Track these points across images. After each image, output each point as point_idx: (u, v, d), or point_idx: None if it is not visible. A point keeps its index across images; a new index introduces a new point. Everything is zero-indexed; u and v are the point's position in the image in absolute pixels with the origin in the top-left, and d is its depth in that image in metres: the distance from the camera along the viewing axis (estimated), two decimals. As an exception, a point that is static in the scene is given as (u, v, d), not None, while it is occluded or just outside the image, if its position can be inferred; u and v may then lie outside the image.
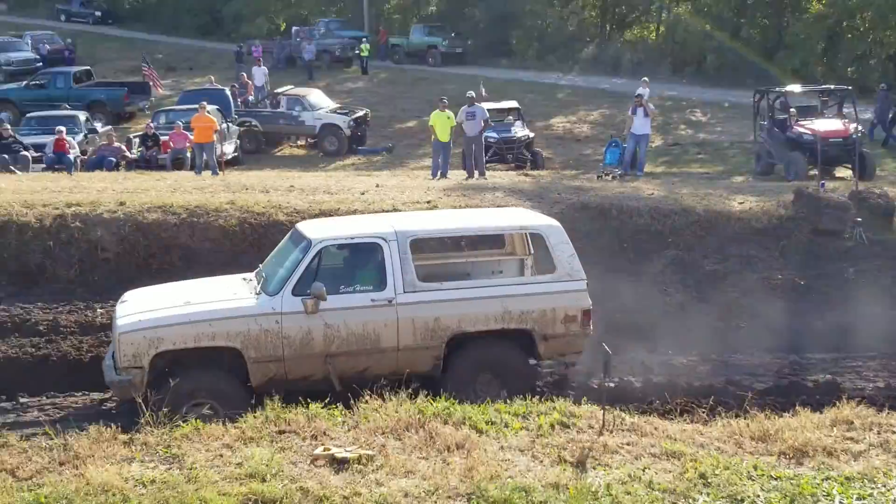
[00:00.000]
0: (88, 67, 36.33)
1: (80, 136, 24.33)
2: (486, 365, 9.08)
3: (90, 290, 12.89)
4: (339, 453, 6.37)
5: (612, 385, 8.66)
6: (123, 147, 23.33)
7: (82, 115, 26.59)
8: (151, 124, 24.59)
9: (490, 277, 10.10)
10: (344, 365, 8.84)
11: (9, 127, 22.93)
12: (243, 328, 8.67)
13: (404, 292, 8.88)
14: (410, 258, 8.98)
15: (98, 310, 12.17)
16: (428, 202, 15.11)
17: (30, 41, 44.13)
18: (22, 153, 21.49)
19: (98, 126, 26.83)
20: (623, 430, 7.35)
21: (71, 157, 21.60)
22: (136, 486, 5.88)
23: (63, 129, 22.39)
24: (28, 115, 27.17)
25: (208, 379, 8.67)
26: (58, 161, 21.31)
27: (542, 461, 6.62)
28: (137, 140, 24.07)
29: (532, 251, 10.24)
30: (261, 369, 8.72)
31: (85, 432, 6.82)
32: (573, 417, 7.48)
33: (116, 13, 56.95)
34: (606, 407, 7.55)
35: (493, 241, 10.61)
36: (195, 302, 9.03)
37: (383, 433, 6.85)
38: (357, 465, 6.25)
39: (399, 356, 8.89)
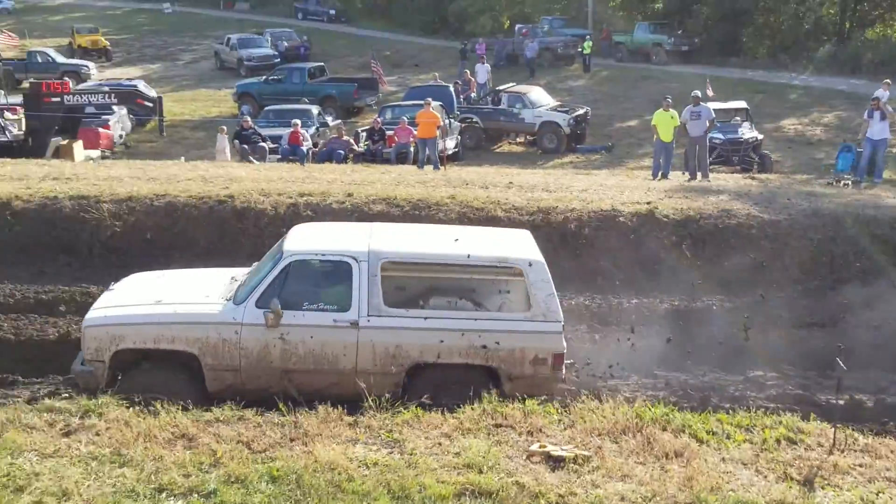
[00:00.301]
0: (322, 64, 38.13)
1: (313, 129, 25.61)
2: (448, 395, 8.07)
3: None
4: (556, 451, 6.36)
5: (841, 402, 8.17)
6: (352, 140, 24.31)
7: (315, 109, 27.97)
8: (378, 119, 25.47)
9: (464, 307, 9.29)
10: (301, 382, 8.49)
11: (249, 119, 24.47)
12: (202, 335, 8.55)
13: (368, 316, 8.51)
14: (379, 281, 8.58)
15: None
16: (648, 203, 14.82)
17: (269, 38, 46.87)
18: (260, 144, 22.86)
19: (329, 120, 28.15)
20: (855, 451, 6.92)
21: (304, 148, 22.76)
22: (359, 466, 6.11)
23: (298, 122, 23.63)
24: (266, 108, 28.89)
25: (165, 379, 8.39)
26: (292, 152, 22.51)
27: (765, 476, 6.34)
28: (364, 134, 25.02)
29: (509, 286, 9.47)
30: (217, 377, 8.57)
31: (314, 412, 7.16)
32: (801, 434, 7.12)
33: (349, 12, 59.46)
34: (837, 425, 7.13)
35: (474, 269, 9.47)
36: (166, 301, 8.99)
37: (599, 435, 6.78)
38: (573, 465, 6.22)
39: (359, 378, 8.32)
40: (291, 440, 6.52)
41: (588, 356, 10.33)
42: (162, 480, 5.83)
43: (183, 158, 22.56)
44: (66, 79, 28.94)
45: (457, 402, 7.71)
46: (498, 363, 8.57)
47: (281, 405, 7.45)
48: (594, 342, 10.95)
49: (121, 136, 27.62)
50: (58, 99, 20.35)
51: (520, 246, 9.38)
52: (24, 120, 21.00)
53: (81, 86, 30.75)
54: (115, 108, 26.63)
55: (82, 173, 17.05)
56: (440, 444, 6.54)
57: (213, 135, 29.67)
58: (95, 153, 22.86)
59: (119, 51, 50.42)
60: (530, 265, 8.79)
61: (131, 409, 7.10)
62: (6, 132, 20.61)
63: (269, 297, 8.45)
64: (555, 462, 6.27)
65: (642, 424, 6.95)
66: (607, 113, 33.12)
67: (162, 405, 7.17)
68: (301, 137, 23.09)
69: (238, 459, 6.11)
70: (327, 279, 8.93)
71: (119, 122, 27.49)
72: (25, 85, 32.61)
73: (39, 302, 12.12)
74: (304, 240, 9.33)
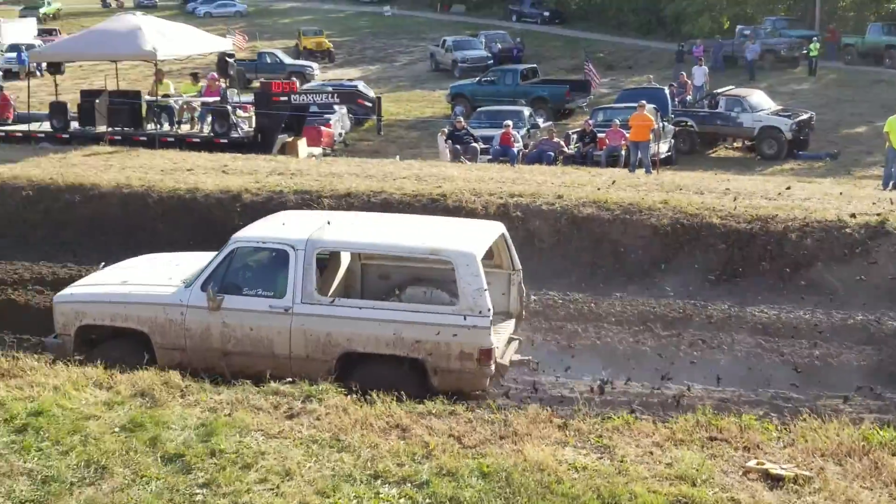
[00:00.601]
0: (534, 65, 38.31)
1: (524, 131, 25.77)
2: (379, 385, 7.74)
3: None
4: (774, 469, 6.08)
5: None
6: (562, 142, 24.28)
7: (526, 111, 28.14)
8: (590, 121, 25.31)
9: (414, 298, 9.36)
10: (240, 364, 8.65)
11: (462, 120, 24.91)
12: (151, 315, 9.01)
13: (301, 303, 8.62)
14: (314, 269, 8.70)
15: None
16: (878, 214, 13.90)
17: (483, 40, 47.57)
18: (472, 144, 23.22)
19: (539, 121, 28.24)
20: None
21: (514, 150, 22.92)
22: (568, 469, 6.07)
23: (510, 123, 23.84)
24: (479, 108, 29.33)
25: (121, 354, 8.73)
26: (503, 153, 22.73)
27: None
28: (575, 136, 24.93)
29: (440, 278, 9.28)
30: (166, 355, 8.89)
31: (523, 411, 7.19)
32: None
33: (563, 13, 59.37)
34: None
35: (413, 260, 9.64)
36: (130, 282, 9.52)
37: (822, 455, 6.41)
38: (792, 485, 5.92)
39: (292, 364, 8.50)
40: (501, 438, 6.56)
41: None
42: (377, 468, 6.02)
43: (398, 157, 23.26)
44: (294, 79, 30.43)
45: (386, 392, 7.48)
46: (425, 356, 8.47)
47: (490, 402, 7.54)
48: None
49: (340, 135, 28.85)
50: (285, 98, 21.38)
51: (462, 238, 9.14)
52: (254, 117, 22.27)
53: (306, 86, 32.30)
54: (336, 107, 27.83)
55: (305, 169, 17.89)
56: (651, 453, 6.40)
57: (427, 135, 30.51)
58: (317, 150, 23.95)
59: (341, 52, 52.64)
60: (459, 258, 8.54)
61: (349, 396, 7.37)
62: (238, 129, 21.92)
63: (212, 282, 8.85)
64: (773, 481, 5.99)
65: (869, 448, 6.52)
66: (833, 118, 31.45)
67: (377, 395, 7.41)
68: (512, 138, 23.27)
69: (450, 453, 6.23)
70: (267, 266, 9.15)
71: (339, 121, 28.73)
72: (256, 84, 34.64)
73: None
74: (255, 226, 9.72)
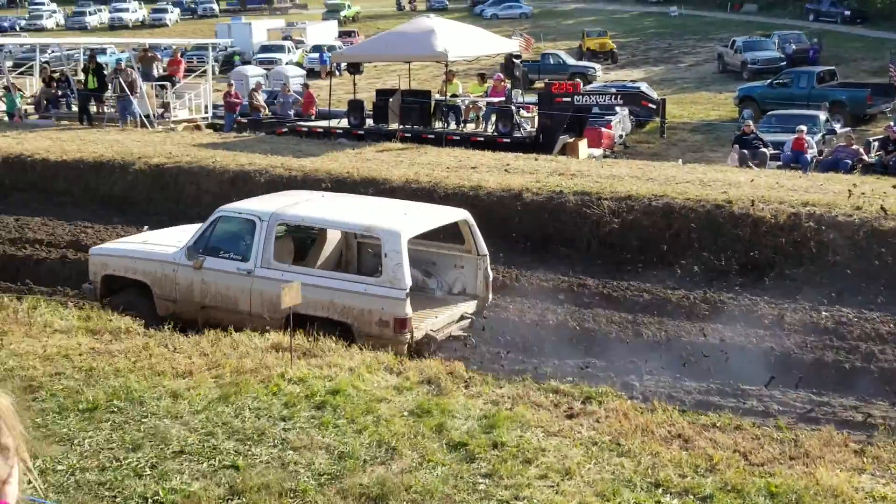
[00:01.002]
0: (832, 67, 36.05)
1: (818, 136, 24.31)
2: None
3: (815, 289, 12.74)
4: None
5: None
6: (861, 150, 22.66)
7: (822, 115, 26.53)
8: (893, 128, 23.43)
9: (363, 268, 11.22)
10: (216, 317, 10.09)
11: (751, 123, 23.89)
12: (152, 270, 10.87)
13: (261, 267, 10.08)
14: (274, 238, 10.16)
15: (822, 312, 12.03)
16: None
17: (776, 40, 45.37)
18: (761, 150, 22.23)
19: (836, 127, 26.53)
20: None
21: (808, 156, 21.70)
22: (865, 498, 5.67)
23: (803, 128, 22.60)
24: (769, 112, 28.01)
25: (133, 301, 10.67)
26: (794, 159, 21.58)
27: None
28: (877, 144, 23.16)
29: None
30: (162, 304, 10.76)
31: (816, 432, 6.80)
32: None
33: (866, 12, 55.46)
34: None
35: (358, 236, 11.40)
36: (149, 242, 11.54)
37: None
38: None
39: (252, 319, 9.85)
40: (791, 458, 6.23)
41: None
42: (658, 476, 5.91)
43: (680, 161, 22.69)
44: (576, 80, 30.54)
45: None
46: (352, 321, 9.67)
47: (779, 420, 7.19)
48: None
49: (620, 137, 28.59)
50: (568, 99, 21.49)
51: (400, 219, 10.27)
52: (536, 118, 22.58)
53: (589, 87, 32.31)
54: (617, 108, 27.62)
55: (585, 170, 17.88)
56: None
57: (711, 139, 29.54)
58: (598, 152, 23.88)
59: (624, 53, 52.23)
60: (386, 235, 9.74)
61: (629, 401, 7.30)
62: (521, 129, 22.33)
63: (200, 245, 10.53)
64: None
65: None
66: None
67: (658, 403, 7.28)
68: (805, 144, 22.03)
69: (735, 468, 5.99)
70: (240, 234, 10.53)
71: (620, 123, 28.46)
72: (539, 85, 35.11)
73: (541, 288, 12.99)
74: (240, 202, 11.45)
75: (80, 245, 15.23)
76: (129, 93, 24.43)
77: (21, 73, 31.99)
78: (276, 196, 11.96)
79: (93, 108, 26.24)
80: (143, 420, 6.49)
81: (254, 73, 37.58)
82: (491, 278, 11.22)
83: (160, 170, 18.27)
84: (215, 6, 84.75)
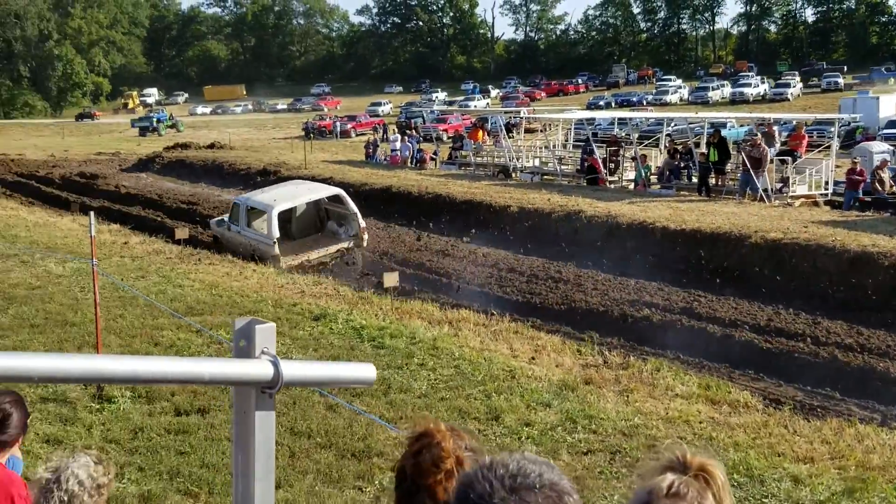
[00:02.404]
0: None
1: None
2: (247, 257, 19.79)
3: None
4: None
5: None
6: None
7: None
8: None
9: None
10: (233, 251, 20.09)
11: None
12: (218, 228, 22.13)
13: (238, 228, 20.70)
14: (245, 213, 20.40)
15: None
16: None
17: None
18: None
19: None
20: None
21: None
22: None
23: None
24: None
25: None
26: None
27: None
28: None
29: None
30: (224, 244, 21.31)
31: None
32: None
33: None
34: None
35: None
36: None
37: None
38: None
39: (243, 252, 19.88)
40: None
41: None
42: None
43: None
44: None
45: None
46: (258, 255, 19.28)
47: None
48: None
49: None
50: None
51: (283, 199, 20.34)
52: None
53: None
54: None
55: None
56: None
57: None
58: None
59: None
60: (268, 210, 19.37)
61: None
62: None
63: (226, 218, 21.43)
64: None
65: None
66: None
67: None
68: None
69: None
70: (238, 212, 20.71)
71: None
72: None
73: None
74: (250, 194, 22.66)
75: (692, 313, 15.72)
76: (752, 167, 24.72)
77: (647, 145, 34.26)
78: (267, 189, 23.21)
79: (711, 181, 27.05)
80: (763, 500, 6.39)
81: (879, 149, 35.51)
82: (363, 226, 20.58)
83: (776, 245, 18.13)
84: (840, 80, 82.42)
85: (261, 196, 21.04)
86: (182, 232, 21.75)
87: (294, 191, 21.50)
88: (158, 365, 1.71)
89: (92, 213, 10.69)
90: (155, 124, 78.16)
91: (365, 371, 2.17)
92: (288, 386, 1.80)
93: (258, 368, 1.80)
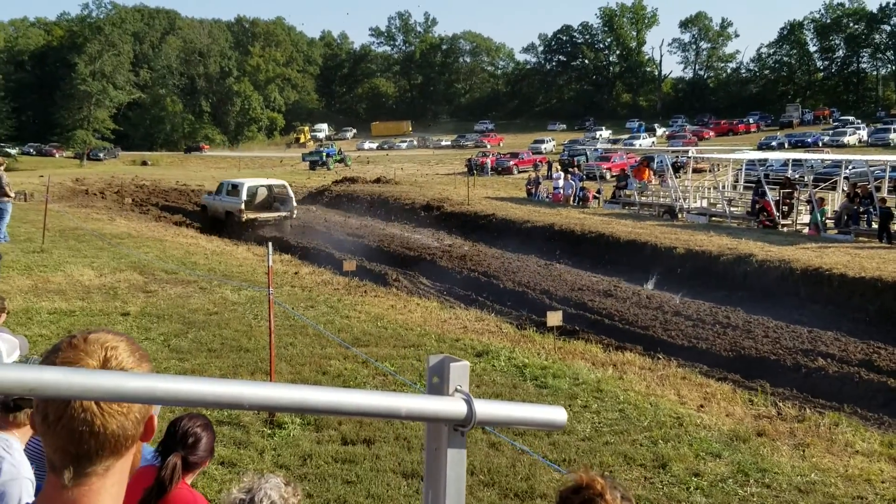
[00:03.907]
0: None
1: None
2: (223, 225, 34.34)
3: None
4: None
5: None
6: None
7: None
8: None
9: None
10: (216, 218, 35.15)
11: None
12: (208, 199, 38.22)
13: (220, 198, 35.48)
14: (225, 190, 34.97)
15: None
16: None
17: None
18: None
19: None
20: None
21: None
22: None
23: None
24: None
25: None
26: None
27: None
28: None
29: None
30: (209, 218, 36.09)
31: None
32: None
33: None
34: None
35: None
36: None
37: None
38: None
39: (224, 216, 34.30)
40: None
41: None
42: None
43: None
44: None
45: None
46: (235, 213, 32.96)
47: None
48: None
49: None
50: None
51: (253, 181, 36.91)
52: None
53: None
54: None
55: None
56: None
57: None
58: None
59: None
60: (242, 184, 34.13)
61: None
62: None
63: (216, 192, 36.60)
64: None
65: None
66: None
67: None
68: None
69: None
70: (223, 190, 35.61)
71: None
72: None
73: None
74: (240, 179, 38.93)
75: (871, 365, 14.85)
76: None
77: (823, 188, 32.85)
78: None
79: (893, 227, 25.63)
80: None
81: None
82: (295, 205, 34.62)
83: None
84: None
85: (237, 179, 37.86)
86: (350, 264, 21.17)
87: (257, 179, 38.52)
88: (362, 398, 1.73)
89: (269, 243, 11.14)
90: (324, 159, 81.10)
91: (556, 414, 2.13)
92: (479, 425, 1.78)
93: (452, 406, 1.79)
